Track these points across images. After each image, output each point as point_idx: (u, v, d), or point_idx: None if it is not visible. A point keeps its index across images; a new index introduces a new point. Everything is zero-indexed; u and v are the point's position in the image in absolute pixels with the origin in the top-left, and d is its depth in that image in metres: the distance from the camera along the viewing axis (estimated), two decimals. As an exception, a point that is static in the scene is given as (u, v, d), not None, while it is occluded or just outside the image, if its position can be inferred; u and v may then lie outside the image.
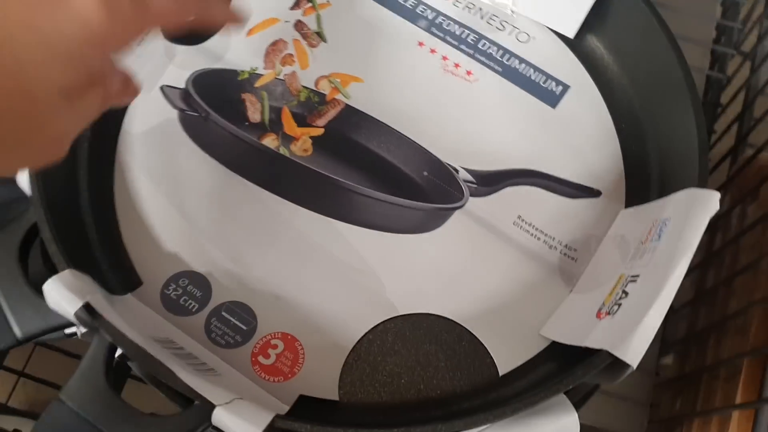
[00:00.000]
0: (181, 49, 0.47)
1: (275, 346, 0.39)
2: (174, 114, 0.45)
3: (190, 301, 0.40)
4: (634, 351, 0.33)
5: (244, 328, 0.40)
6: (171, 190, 0.43)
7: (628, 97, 0.47)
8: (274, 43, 0.48)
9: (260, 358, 0.39)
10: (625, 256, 0.40)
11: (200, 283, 0.41)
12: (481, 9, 0.50)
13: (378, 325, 0.40)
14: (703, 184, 0.40)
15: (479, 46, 0.49)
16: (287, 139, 0.45)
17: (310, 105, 0.46)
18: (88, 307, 0.34)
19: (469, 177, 0.45)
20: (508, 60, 0.49)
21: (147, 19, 0.30)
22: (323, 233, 0.42)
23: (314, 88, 0.47)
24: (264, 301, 0.41)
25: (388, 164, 0.45)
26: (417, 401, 0.38)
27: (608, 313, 0.36)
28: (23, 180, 0.39)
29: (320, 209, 0.43)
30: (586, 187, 0.45)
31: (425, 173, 0.45)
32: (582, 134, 0.46)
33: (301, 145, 0.45)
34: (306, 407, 0.38)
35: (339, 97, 0.46)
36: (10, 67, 0.26)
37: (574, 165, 0.45)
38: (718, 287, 0.55)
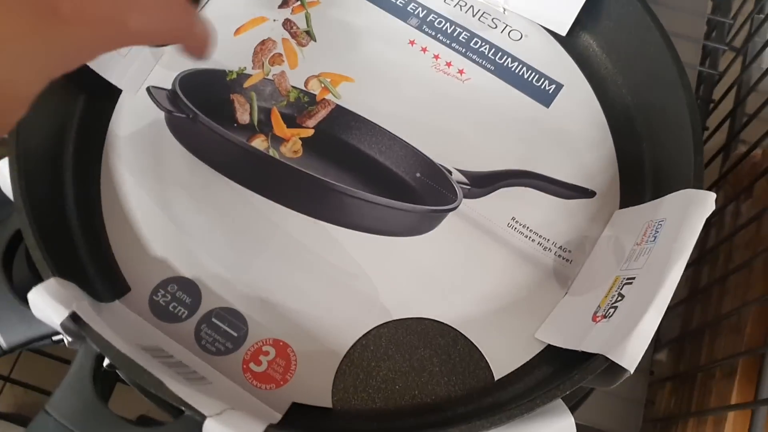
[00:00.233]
0: (168, 49, 0.46)
1: (267, 353, 0.39)
2: (161, 115, 0.44)
3: (179, 307, 0.39)
4: (631, 355, 0.33)
5: (234, 334, 0.39)
6: (158, 194, 0.42)
7: (622, 96, 0.47)
8: (263, 43, 0.47)
9: (252, 366, 0.38)
10: (620, 258, 0.39)
11: (189, 289, 0.40)
12: (473, 7, 0.49)
13: (371, 330, 0.40)
14: (698, 184, 0.39)
15: (471, 44, 0.48)
16: (277, 141, 0.44)
17: (300, 105, 0.45)
18: (74, 317, 0.33)
19: (463, 178, 0.44)
20: (500, 58, 0.48)
21: (124, 39, 0.31)
22: (314, 237, 0.42)
23: (304, 88, 0.46)
24: (255, 306, 0.40)
25: (380, 166, 0.44)
26: (412, 407, 0.38)
27: (604, 317, 0.36)
28: (6, 184, 0.38)
29: (311, 212, 0.42)
30: (580, 187, 0.44)
31: (418, 175, 0.44)
32: (576, 134, 0.46)
33: (291, 146, 0.44)
34: (299, 415, 0.37)
35: (329, 97, 0.46)
36: None
37: (567, 165, 0.45)
38: (712, 285, 0.55)
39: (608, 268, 0.39)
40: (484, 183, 0.44)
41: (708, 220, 0.36)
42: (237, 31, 0.47)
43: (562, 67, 0.48)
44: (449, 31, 0.49)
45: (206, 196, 0.42)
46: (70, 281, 0.35)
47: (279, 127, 0.44)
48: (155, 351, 0.36)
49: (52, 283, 0.34)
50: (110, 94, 0.44)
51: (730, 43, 0.68)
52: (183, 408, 0.32)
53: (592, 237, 0.42)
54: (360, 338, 0.39)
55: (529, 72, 0.48)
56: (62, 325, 0.33)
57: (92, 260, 0.40)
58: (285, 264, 0.41)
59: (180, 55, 0.36)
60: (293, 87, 0.46)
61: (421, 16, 0.49)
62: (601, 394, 0.56)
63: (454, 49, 0.48)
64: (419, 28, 0.49)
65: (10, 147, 0.38)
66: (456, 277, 0.41)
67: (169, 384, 0.32)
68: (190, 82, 0.45)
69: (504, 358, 0.39)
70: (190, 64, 0.46)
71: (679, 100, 0.43)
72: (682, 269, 0.34)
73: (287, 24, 0.48)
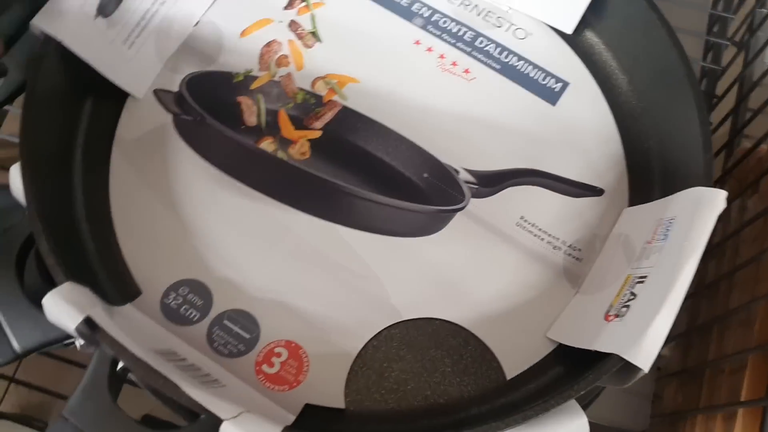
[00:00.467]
0: (174, 52, 0.46)
1: (279, 354, 0.39)
2: (168, 118, 0.44)
3: (191, 310, 0.39)
4: (645, 354, 0.33)
5: (246, 336, 0.39)
6: (167, 197, 0.42)
7: (629, 94, 0.47)
8: (269, 44, 0.47)
9: (264, 367, 0.38)
10: (631, 256, 0.39)
11: (200, 291, 0.40)
12: (477, 6, 0.49)
13: (382, 330, 0.40)
14: (708, 182, 0.39)
15: (476, 43, 0.48)
16: (284, 143, 0.44)
17: (307, 107, 0.45)
18: (89, 321, 0.33)
19: (470, 178, 0.44)
20: (506, 57, 0.48)
21: None
22: (324, 238, 0.42)
23: (310, 90, 0.46)
24: (266, 308, 0.40)
25: (388, 166, 0.44)
26: (425, 408, 0.38)
27: (617, 316, 0.36)
28: (17, 189, 0.38)
29: (320, 213, 0.42)
30: (588, 185, 0.44)
31: (425, 175, 0.44)
32: (583, 131, 0.46)
33: (299, 148, 0.44)
34: (312, 416, 0.37)
35: (336, 98, 0.46)
36: None
37: (575, 163, 0.45)
38: (719, 280, 0.55)
39: (619, 267, 0.39)
40: (491, 182, 0.44)
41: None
42: (243, 33, 0.47)
43: (567, 65, 0.48)
44: (454, 30, 0.49)
45: (215, 198, 0.42)
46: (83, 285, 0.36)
47: (287, 129, 0.44)
48: (168, 354, 0.36)
49: (66, 287, 0.34)
50: (117, 96, 0.44)
51: (732, 38, 0.68)
52: (199, 412, 0.32)
53: (602, 235, 0.42)
54: (371, 339, 0.39)
55: (535, 70, 0.48)
56: (77, 329, 0.33)
57: (102, 264, 0.40)
58: (295, 265, 0.41)
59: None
60: (300, 89, 0.46)
61: (425, 15, 0.49)
62: (608, 389, 0.57)
63: (459, 48, 0.48)
64: (424, 27, 0.49)
65: (21, 153, 0.38)
66: (466, 276, 0.41)
67: (185, 388, 0.32)
68: (196, 84, 0.45)
69: (516, 357, 0.39)
70: (196, 67, 0.46)
71: (687, 96, 0.43)
72: (695, 268, 0.34)
73: (293, 25, 0.48)
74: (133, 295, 0.40)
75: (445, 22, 0.49)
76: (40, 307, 0.35)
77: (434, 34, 0.48)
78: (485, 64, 0.48)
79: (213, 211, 0.42)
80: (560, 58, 0.48)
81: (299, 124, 0.45)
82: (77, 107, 0.44)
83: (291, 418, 0.36)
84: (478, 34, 0.49)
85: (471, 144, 0.45)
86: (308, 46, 0.47)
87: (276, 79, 0.46)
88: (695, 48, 0.68)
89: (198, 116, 0.44)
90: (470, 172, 0.44)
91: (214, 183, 0.43)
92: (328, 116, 0.45)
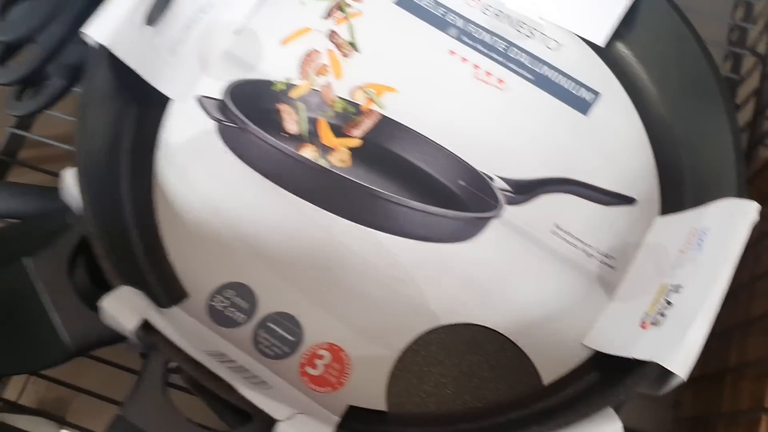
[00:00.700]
0: (215, 58, 0.47)
1: (322, 357, 0.40)
2: (211, 125, 0.45)
3: (237, 312, 0.41)
4: (683, 362, 0.34)
5: (291, 338, 0.40)
6: (212, 201, 0.43)
7: (660, 104, 0.48)
8: (309, 54, 0.48)
9: (308, 369, 0.40)
10: (665, 265, 0.40)
11: (246, 294, 0.41)
12: (509, 16, 0.50)
13: (421, 335, 0.41)
14: (741, 192, 0.40)
15: (509, 53, 0.49)
16: (325, 150, 0.45)
17: (346, 116, 0.46)
18: (146, 324, 0.34)
19: (504, 185, 0.45)
20: (538, 67, 0.49)
21: None
22: (364, 243, 0.43)
23: (350, 99, 0.47)
24: (308, 311, 0.41)
25: (425, 174, 0.46)
26: (464, 412, 0.39)
27: (653, 324, 0.37)
28: (70, 193, 0.39)
29: (360, 219, 0.43)
30: (620, 194, 0.45)
31: (461, 182, 0.45)
32: (614, 141, 0.47)
33: (339, 156, 0.45)
34: (354, 418, 0.38)
35: (374, 107, 0.47)
36: None
37: (607, 172, 0.46)
38: (739, 287, 0.56)
39: (653, 275, 0.40)
40: (525, 190, 0.45)
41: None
42: (283, 42, 0.48)
43: (598, 75, 0.49)
44: (488, 41, 0.50)
45: (258, 202, 0.43)
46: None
47: (327, 137, 0.46)
48: (218, 356, 0.37)
49: (122, 291, 0.36)
50: (161, 103, 0.46)
51: (753, 48, 0.69)
52: (254, 413, 0.33)
53: (635, 243, 0.44)
54: (411, 343, 0.41)
55: (567, 80, 0.49)
56: (135, 332, 0.34)
57: (150, 267, 0.42)
58: (335, 270, 0.42)
59: None
60: (339, 97, 0.47)
61: (459, 26, 0.50)
62: (631, 393, 0.58)
63: (492, 58, 0.49)
64: (458, 38, 0.50)
65: (77, 158, 0.39)
66: (502, 282, 0.43)
67: (240, 389, 0.33)
68: (238, 92, 0.46)
69: (552, 363, 0.40)
70: (237, 74, 0.47)
71: (718, 107, 0.44)
72: (730, 278, 0.36)
73: (331, 35, 0.49)
74: (180, 298, 0.41)
75: (478, 32, 0.50)
76: (91, 308, 0.36)
77: (468, 45, 0.49)
78: (518, 74, 0.49)
79: (256, 216, 0.43)
80: (591, 68, 0.49)
81: (338, 132, 0.46)
82: (124, 113, 0.45)
83: (336, 419, 0.37)
84: (510, 44, 0.50)
85: (504, 152, 0.46)
86: (346, 56, 0.48)
87: (316, 87, 0.47)
88: (714, 57, 0.69)
89: (240, 123, 0.45)
90: (504, 179, 0.46)
91: (257, 188, 0.44)
92: (367, 125, 0.46)
